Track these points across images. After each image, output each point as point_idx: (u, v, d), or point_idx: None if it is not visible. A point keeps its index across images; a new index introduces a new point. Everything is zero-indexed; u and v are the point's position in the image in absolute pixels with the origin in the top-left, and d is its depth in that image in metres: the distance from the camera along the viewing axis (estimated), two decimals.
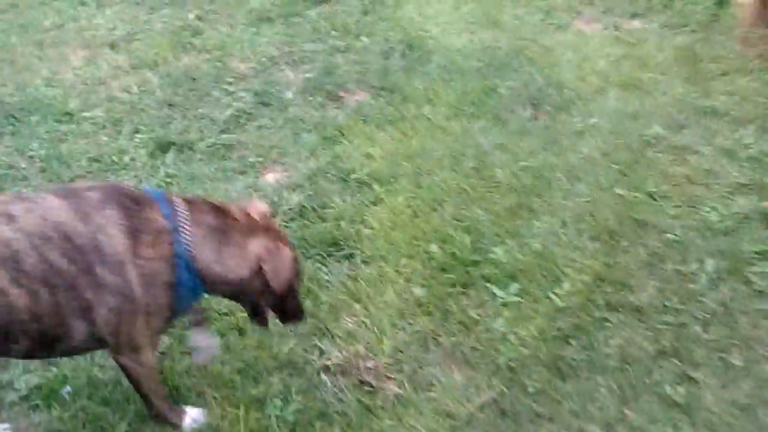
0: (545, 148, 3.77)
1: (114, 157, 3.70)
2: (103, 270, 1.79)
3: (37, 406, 2.36)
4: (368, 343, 2.60)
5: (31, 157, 3.70)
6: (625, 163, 3.59)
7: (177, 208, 1.94)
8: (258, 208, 2.13)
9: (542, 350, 2.54)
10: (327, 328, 2.66)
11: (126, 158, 3.70)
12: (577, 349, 2.56)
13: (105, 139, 3.87)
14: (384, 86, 4.50)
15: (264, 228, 2.06)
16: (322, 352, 2.56)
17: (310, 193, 3.46)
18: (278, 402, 2.35)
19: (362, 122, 4.11)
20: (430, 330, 2.65)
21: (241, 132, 4.01)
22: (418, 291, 2.81)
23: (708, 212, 3.21)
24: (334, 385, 2.44)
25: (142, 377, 2.07)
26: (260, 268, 1.99)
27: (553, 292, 2.76)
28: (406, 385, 2.45)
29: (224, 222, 2.00)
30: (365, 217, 3.26)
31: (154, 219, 1.89)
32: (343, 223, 3.20)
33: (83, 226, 1.79)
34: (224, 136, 3.94)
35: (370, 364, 2.51)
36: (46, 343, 1.86)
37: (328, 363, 2.52)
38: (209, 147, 3.83)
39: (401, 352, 2.57)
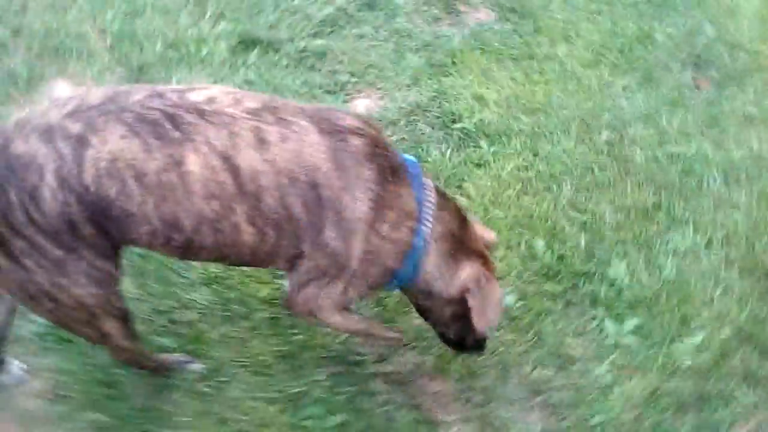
0: (702, 131, 3.00)
1: (191, 47, 3.20)
2: (331, 232, 1.58)
3: (49, 349, 2.07)
4: (438, 356, 2.15)
5: (102, 30, 3.26)
6: None
7: (428, 195, 1.71)
8: (487, 232, 1.93)
9: (648, 418, 2.03)
10: (393, 322, 2.21)
11: (204, 50, 3.20)
12: (694, 426, 2.02)
13: (185, 21, 3.35)
14: (514, 7, 3.71)
15: (483, 256, 1.80)
16: (379, 354, 2.13)
17: (405, 135, 2.90)
18: (317, 409, 1.97)
19: (480, 51, 3.40)
20: (515, 354, 2.17)
21: (336, 38, 3.39)
22: (510, 298, 2.29)
23: None
24: (387, 401, 2.04)
25: (331, 329, 1.90)
26: (464, 296, 1.74)
27: (680, 340, 2.19)
28: (474, 421, 2.02)
29: (460, 231, 1.78)
30: (464, 182, 2.70)
31: (405, 197, 1.66)
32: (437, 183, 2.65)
33: (335, 178, 1.55)
34: (317, 41, 3.35)
35: (435, 386, 2.07)
36: (247, 265, 1.80)
37: (386, 370, 2.10)
38: (298, 52, 3.27)
39: (475, 375, 2.11)
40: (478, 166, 2.80)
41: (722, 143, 2.95)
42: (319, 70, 3.22)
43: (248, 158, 1.49)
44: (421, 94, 3.11)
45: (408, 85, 3.17)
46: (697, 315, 2.26)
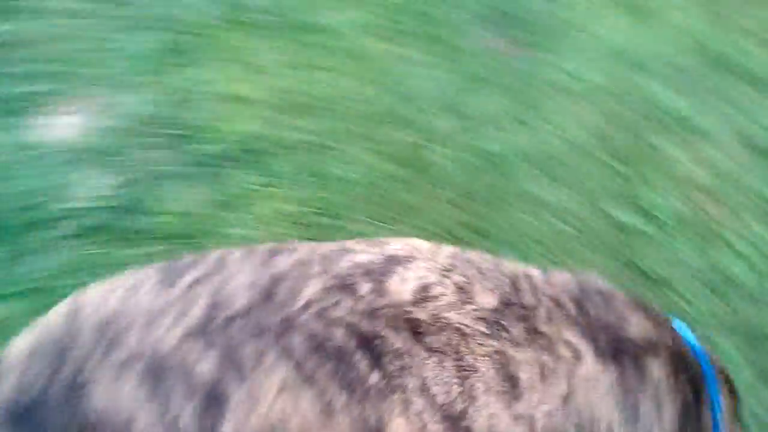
0: (510, 112, 2.44)
1: None
2: None
3: None
4: None
5: None
6: (625, 160, 2.37)
7: (722, 406, 1.11)
8: None
9: None
10: None
11: None
12: None
13: None
14: None
15: None
16: None
17: (129, 171, 2.03)
18: None
19: (235, 23, 2.56)
20: None
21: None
22: None
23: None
24: None
25: None
26: None
27: None
28: None
29: None
30: (215, 235, 1.92)
31: (704, 426, 1.08)
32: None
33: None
34: None
35: None
36: None
37: None
38: None
39: None
40: (231, 208, 2.00)
41: (535, 129, 2.40)
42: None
43: (488, 414, 0.90)
44: (153, 99, 2.23)
45: (133, 87, 2.27)
46: None
